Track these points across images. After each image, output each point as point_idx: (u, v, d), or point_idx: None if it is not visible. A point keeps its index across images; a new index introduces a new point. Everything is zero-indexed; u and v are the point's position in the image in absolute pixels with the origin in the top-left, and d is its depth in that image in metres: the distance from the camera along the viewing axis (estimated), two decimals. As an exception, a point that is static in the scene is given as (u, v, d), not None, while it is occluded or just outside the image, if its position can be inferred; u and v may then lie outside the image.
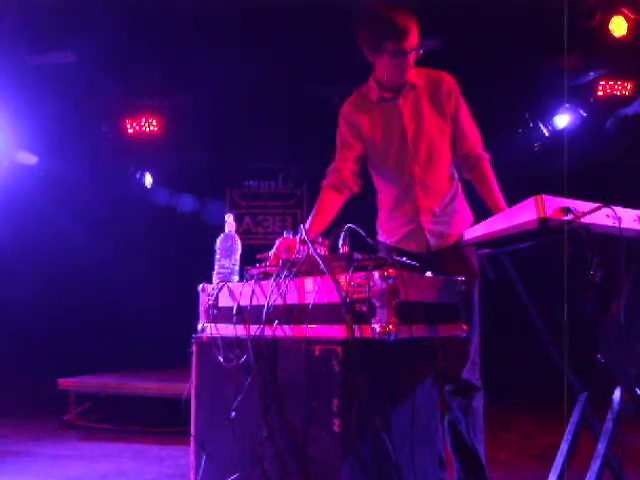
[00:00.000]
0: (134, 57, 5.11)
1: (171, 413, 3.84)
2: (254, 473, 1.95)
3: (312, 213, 2.50)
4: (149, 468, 3.50)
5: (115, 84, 5.55)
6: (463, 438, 2.38)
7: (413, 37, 2.30)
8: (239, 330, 2.07)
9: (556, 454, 2.07)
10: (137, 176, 6.67)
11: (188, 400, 2.29)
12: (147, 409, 4.60)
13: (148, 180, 6.71)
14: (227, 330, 2.13)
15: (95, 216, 6.12)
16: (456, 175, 2.58)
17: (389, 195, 2.58)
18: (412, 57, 2.36)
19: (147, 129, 6.15)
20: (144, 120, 6.13)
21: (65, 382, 4.57)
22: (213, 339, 2.18)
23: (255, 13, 4.43)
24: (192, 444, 2.24)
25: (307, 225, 2.40)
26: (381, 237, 2.64)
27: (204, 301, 2.28)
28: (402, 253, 2.35)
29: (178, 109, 6.02)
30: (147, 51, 5.01)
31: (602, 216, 1.84)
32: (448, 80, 2.49)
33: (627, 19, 4.49)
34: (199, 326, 2.29)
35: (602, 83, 5.40)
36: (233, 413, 2.01)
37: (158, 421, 4.32)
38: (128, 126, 6.17)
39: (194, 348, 2.26)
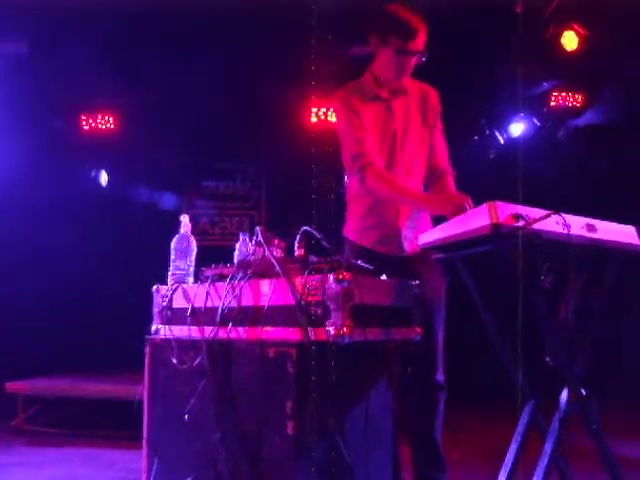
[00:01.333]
0: (91, 52, 5.00)
1: (124, 416, 3.76)
2: (207, 476, 1.94)
3: (403, 189, 2.43)
4: (100, 473, 3.42)
5: (71, 78, 5.41)
6: (430, 437, 2.41)
7: (420, 40, 2.37)
8: (193, 332, 2.06)
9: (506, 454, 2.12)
10: (92, 174, 6.52)
11: (141, 403, 2.25)
12: (99, 412, 4.49)
13: (104, 178, 6.56)
14: (181, 332, 2.12)
15: (45, 214, 5.94)
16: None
17: (369, 194, 2.54)
18: (414, 60, 2.42)
19: (103, 126, 6.03)
20: (100, 117, 6.01)
21: (13, 386, 4.42)
22: (167, 341, 2.16)
23: (215, 14, 4.41)
24: (144, 447, 2.21)
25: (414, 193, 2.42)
26: (352, 236, 2.58)
27: (158, 302, 2.26)
28: (377, 256, 2.37)
29: (135, 107, 5.93)
30: (105, 47, 4.91)
31: (552, 223, 1.89)
32: (435, 95, 2.59)
33: (578, 34, 4.66)
34: (153, 328, 2.26)
35: (555, 94, 5.58)
36: (186, 416, 1.99)
37: (110, 424, 4.23)
38: (83, 122, 6.04)
39: (147, 350, 2.24)
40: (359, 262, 2.00)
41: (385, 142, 2.49)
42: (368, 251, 2.48)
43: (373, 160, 2.41)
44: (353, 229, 2.60)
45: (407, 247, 2.50)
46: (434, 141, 2.59)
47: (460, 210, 2.09)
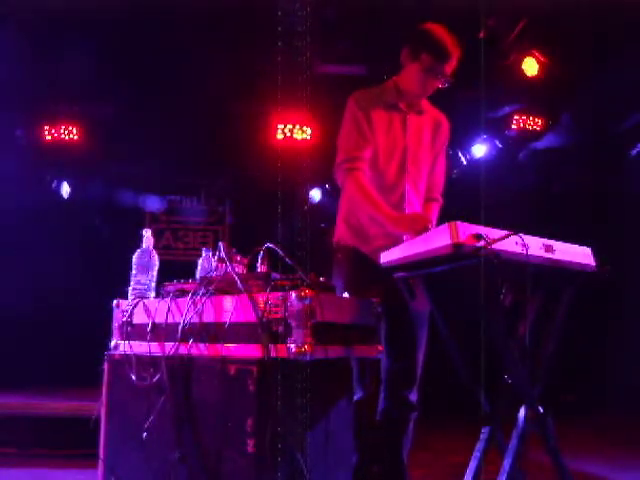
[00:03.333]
0: (55, 62, 4.93)
1: (79, 434, 3.65)
2: (164, 496, 1.90)
3: (378, 204, 2.37)
4: (52, 494, 3.31)
5: (34, 87, 5.32)
6: (396, 456, 2.40)
7: (451, 65, 2.41)
8: (153, 348, 2.03)
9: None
10: (53, 185, 6.39)
11: (97, 420, 2.20)
12: (53, 430, 4.35)
13: (65, 190, 6.44)
14: (141, 348, 2.08)
15: (4, 226, 5.78)
16: None
17: (348, 197, 2.53)
18: (439, 83, 2.45)
19: (66, 137, 5.92)
20: (63, 128, 5.90)
21: (-39, 403, 4.26)
22: (126, 357, 2.12)
23: (183, 29, 4.41)
24: (100, 467, 2.16)
25: (386, 211, 2.34)
26: (350, 242, 2.52)
27: (118, 317, 2.22)
28: (373, 264, 2.28)
29: (100, 119, 5.85)
30: (70, 58, 4.85)
31: (511, 243, 1.92)
32: (447, 126, 2.64)
33: (538, 61, 4.83)
34: (112, 343, 2.22)
35: (516, 117, 5.73)
36: (145, 434, 1.95)
37: (65, 443, 4.09)
38: (46, 132, 5.92)
39: (106, 366, 2.19)
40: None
41: (395, 152, 2.49)
42: (366, 258, 2.43)
43: (361, 168, 2.42)
44: (353, 235, 2.52)
45: None
46: (435, 168, 2.63)
47: (423, 232, 2.10)
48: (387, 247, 2.15)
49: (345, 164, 2.43)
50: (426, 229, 2.14)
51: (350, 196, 2.48)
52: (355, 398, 2.28)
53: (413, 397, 2.42)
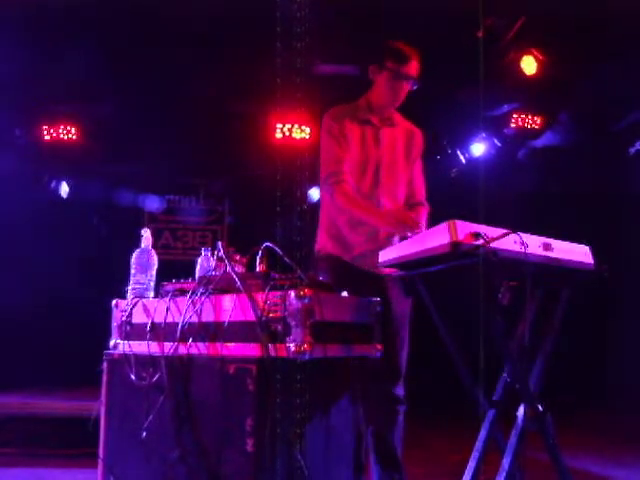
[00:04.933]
0: (54, 61, 4.92)
1: (79, 434, 3.65)
2: (164, 495, 1.90)
3: (367, 209, 2.51)
4: (52, 493, 3.31)
5: (33, 87, 5.32)
6: (391, 450, 2.48)
7: (413, 66, 2.57)
8: (153, 347, 2.03)
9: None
10: (52, 185, 6.39)
11: (97, 420, 2.20)
12: (53, 430, 4.35)
13: (64, 190, 6.43)
14: (140, 347, 2.08)
15: (4, 226, 5.77)
16: None
17: (339, 210, 2.62)
18: (407, 86, 2.59)
19: (65, 137, 5.92)
20: (62, 127, 5.90)
21: (-40, 403, 4.26)
22: (125, 356, 2.12)
23: (181, 30, 4.41)
24: (100, 466, 2.16)
25: (374, 212, 2.47)
26: (331, 249, 2.61)
27: (117, 317, 2.22)
28: (354, 270, 2.45)
29: (98, 119, 5.85)
30: (69, 57, 4.84)
31: (510, 242, 1.93)
32: (420, 135, 2.77)
33: (536, 59, 4.83)
34: (111, 342, 2.22)
35: (515, 116, 5.73)
36: (144, 433, 1.95)
37: (64, 443, 4.09)
38: (45, 132, 5.92)
39: (105, 365, 2.20)
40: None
41: (369, 165, 2.60)
42: (347, 264, 2.54)
43: (346, 179, 2.55)
44: (335, 244, 2.61)
45: None
46: (413, 175, 2.74)
47: (407, 220, 2.22)
48: (368, 253, 2.34)
49: (330, 179, 2.55)
50: (410, 218, 2.31)
51: (338, 207, 2.57)
52: None
53: (400, 391, 2.52)
